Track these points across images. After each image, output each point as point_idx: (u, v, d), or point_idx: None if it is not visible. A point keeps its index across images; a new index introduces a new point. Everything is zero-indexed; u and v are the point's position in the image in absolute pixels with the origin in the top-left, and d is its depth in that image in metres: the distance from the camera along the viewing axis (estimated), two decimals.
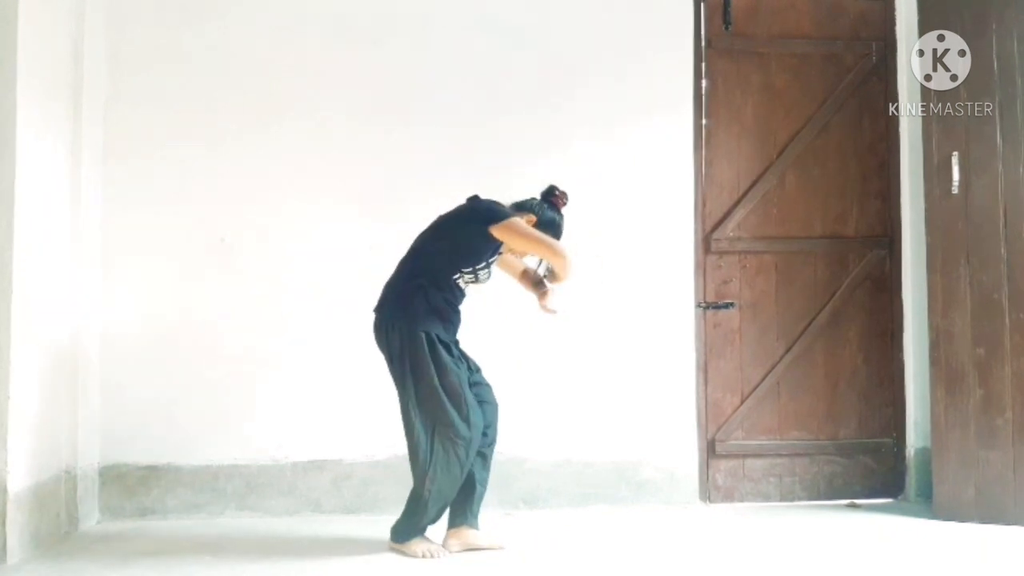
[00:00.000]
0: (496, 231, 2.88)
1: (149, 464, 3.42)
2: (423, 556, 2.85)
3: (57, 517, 3.12)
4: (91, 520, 3.35)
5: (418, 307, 2.87)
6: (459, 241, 2.93)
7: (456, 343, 2.97)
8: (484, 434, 2.92)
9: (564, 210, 3.08)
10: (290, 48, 3.56)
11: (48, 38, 3.09)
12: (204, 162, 3.50)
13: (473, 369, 3.00)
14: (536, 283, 3.12)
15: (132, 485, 3.41)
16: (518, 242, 2.93)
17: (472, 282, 2.98)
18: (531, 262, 3.13)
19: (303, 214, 3.54)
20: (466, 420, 2.83)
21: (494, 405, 3.01)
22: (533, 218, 3.00)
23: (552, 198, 3.07)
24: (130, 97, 3.48)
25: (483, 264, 2.95)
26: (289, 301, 3.51)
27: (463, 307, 2.99)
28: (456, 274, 2.93)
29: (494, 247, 2.94)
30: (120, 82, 3.48)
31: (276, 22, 3.57)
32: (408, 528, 2.91)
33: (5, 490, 2.79)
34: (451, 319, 2.94)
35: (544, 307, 3.08)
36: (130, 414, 3.42)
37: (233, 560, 2.85)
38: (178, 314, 3.46)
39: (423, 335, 2.84)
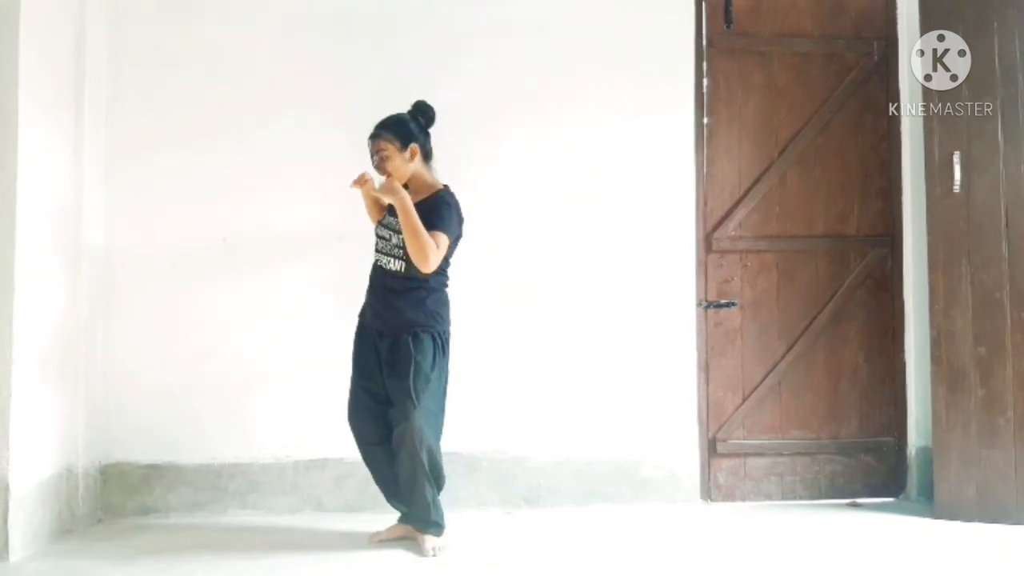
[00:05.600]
0: None
1: (151, 463, 3.43)
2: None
3: (59, 515, 3.13)
4: (93, 518, 3.36)
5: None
6: None
7: (379, 333, 2.97)
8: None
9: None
10: (292, 47, 3.56)
11: (50, 38, 3.09)
12: (206, 161, 3.50)
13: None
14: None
15: (134, 483, 3.42)
16: None
17: (382, 251, 3.02)
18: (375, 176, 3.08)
19: (305, 213, 3.54)
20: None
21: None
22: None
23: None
24: (132, 96, 3.48)
25: (377, 235, 3.06)
26: (291, 299, 3.52)
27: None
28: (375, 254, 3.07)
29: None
30: (122, 81, 3.48)
31: (277, 21, 3.57)
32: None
33: (7, 488, 2.80)
34: (372, 306, 3.03)
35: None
36: (132, 413, 3.42)
37: (235, 558, 2.86)
38: (179, 312, 3.47)
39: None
